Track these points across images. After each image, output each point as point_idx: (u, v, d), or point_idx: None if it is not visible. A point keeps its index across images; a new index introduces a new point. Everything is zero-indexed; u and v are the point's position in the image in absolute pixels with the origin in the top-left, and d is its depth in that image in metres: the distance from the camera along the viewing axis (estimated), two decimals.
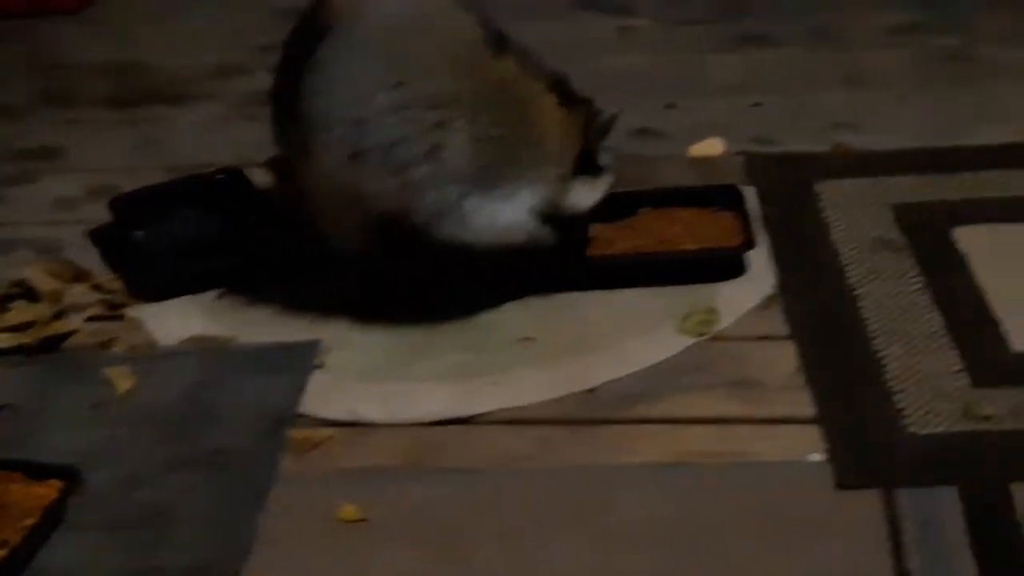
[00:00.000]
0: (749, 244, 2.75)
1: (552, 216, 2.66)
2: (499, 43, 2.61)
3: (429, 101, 2.52)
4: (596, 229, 2.83)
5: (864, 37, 3.81)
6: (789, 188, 3.04)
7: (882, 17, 3.91)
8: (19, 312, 2.71)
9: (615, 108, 2.69)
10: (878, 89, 3.53)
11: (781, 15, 3.95)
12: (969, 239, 2.83)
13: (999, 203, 2.96)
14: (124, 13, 4.11)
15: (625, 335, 2.60)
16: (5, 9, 4.05)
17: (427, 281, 2.70)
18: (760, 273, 2.76)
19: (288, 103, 2.60)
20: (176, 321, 2.71)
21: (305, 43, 2.59)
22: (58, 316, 2.70)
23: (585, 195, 2.69)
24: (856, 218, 2.92)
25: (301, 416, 2.45)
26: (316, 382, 2.52)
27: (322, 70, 2.54)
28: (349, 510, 2.20)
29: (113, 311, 2.73)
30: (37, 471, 2.23)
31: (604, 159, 2.71)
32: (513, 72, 2.59)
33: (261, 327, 2.68)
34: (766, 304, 2.69)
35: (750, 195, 2.95)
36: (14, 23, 4.03)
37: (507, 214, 2.60)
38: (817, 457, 2.31)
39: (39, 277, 2.78)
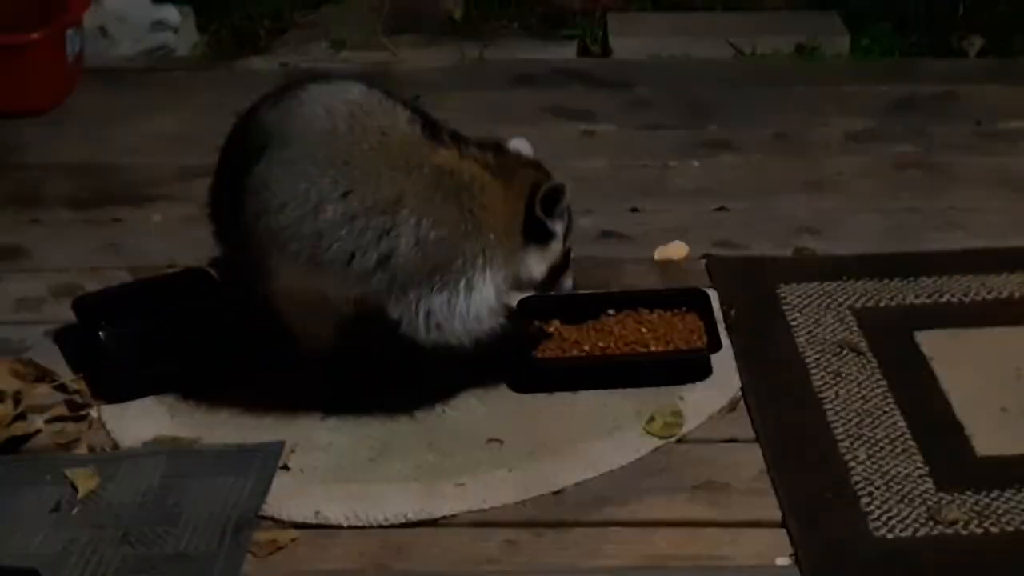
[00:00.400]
0: (714, 347, 2.76)
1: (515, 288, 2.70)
2: (434, 131, 2.62)
3: (375, 207, 2.52)
4: (562, 330, 2.84)
5: (824, 143, 3.86)
6: (753, 291, 3.06)
7: (842, 124, 3.96)
8: None
9: (556, 182, 2.68)
10: (839, 194, 3.57)
11: (742, 121, 3.99)
12: (932, 343, 2.85)
13: (960, 308, 2.99)
14: (90, 115, 4.11)
15: (591, 437, 2.60)
16: None
17: (395, 373, 2.73)
18: (725, 376, 2.77)
19: (233, 221, 2.61)
20: (139, 422, 2.69)
21: (241, 162, 2.58)
22: (20, 417, 2.67)
23: (536, 263, 2.69)
24: (819, 321, 2.94)
25: (265, 518, 2.44)
26: (280, 484, 2.50)
27: (265, 187, 2.53)
28: None
29: (76, 412, 2.71)
30: None
31: (553, 226, 2.68)
32: (450, 160, 2.59)
33: (225, 427, 2.67)
34: (731, 406, 2.70)
35: (714, 298, 2.97)
36: None
37: (473, 305, 2.60)
38: (785, 561, 2.31)
39: (1, 377, 2.75)
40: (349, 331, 2.69)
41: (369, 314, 2.64)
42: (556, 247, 2.70)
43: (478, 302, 2.60)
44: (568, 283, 2.77)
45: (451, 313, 2.58)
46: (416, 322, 2.58)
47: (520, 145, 2.75)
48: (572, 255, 2.77)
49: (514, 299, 2.79)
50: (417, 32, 4.98)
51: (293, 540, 2.38)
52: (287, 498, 2.47)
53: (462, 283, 2.58)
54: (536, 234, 2.67)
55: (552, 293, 2.76)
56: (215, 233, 2.75)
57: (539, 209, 2.64)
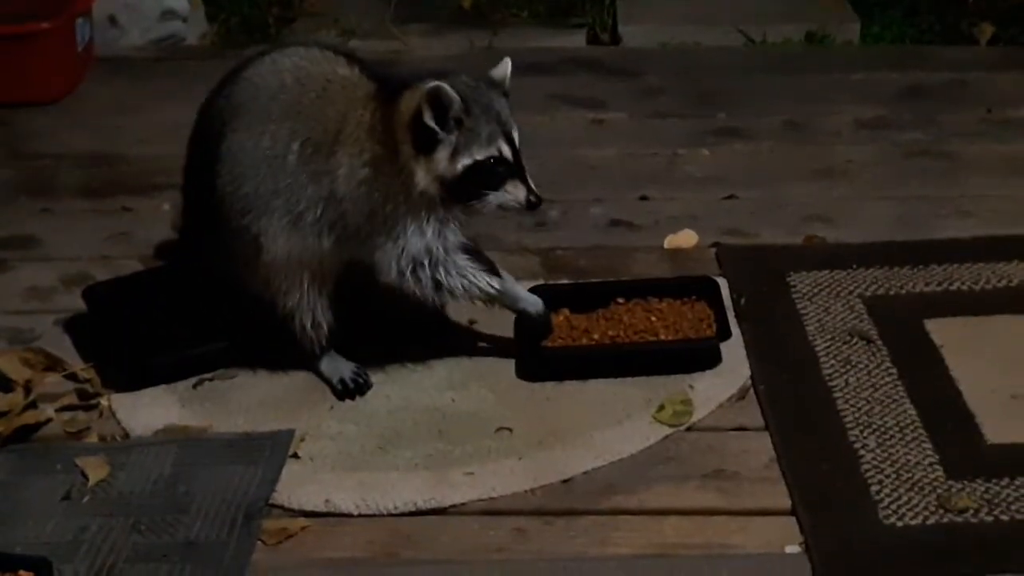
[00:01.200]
0: (724, 335, 2.76)
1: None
2: (370, 70, 2.66)
3: (322, 149, 2.58)
4: (571, 319, 2.84)
5: (834, 132, 3.85)
6: (762, 280, 3.05)
7: (852, 112, 3.95)
8: None
9: (435, 84, 2.52)
10: (849, 182, 3.56)
11: (752, 109, 3.99)
12: (942, 331, 2.85)
13: (970, 296, 2.99)
14: (101, 105, 4.12)
15: (600, 425, 2.60)
16: None
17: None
18: (735, 364, 2.77)
19: (209, 207, 2.66)
20: (150, 411, 2.69)
21: (206, 147, 2.67)
22: (31, 406, 2.68)
23: (422, 175, 2.55)
24: (829, 310, 2.94)
25: (275, 507, 2.44)
26: (290, 472, 2.51)
27: (236, 156, 2.61)
28: None
29: (86, 401, 2.72)
30: (8, 563, 2.20)
31: (438, 130, 2.53)
32: (374, 103, 2.59)
33: (235, 416, 2.67)
34: (741, 395, 2.69)
35: (723, 286, 2.96)
36: None
37: (413, 249, 2.60)
38: (794, 549, 2.31)
39: (12, 366, 2.76)
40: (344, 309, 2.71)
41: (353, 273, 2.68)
42: (441, 154, 2.55)
43: (413, 246, 2.58)
44: (519, 195, 2.59)
45: (400, 261, 2.59)
46: (383, 271, 2.61)
47: (498, 68, 2.71)
48: (525, 170, 2.61)
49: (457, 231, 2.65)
50: (426, 21, 4.98)
51: (303, 528, 2.39)
52: (297, 486, 2.47)
53: (397, 227, 2.58)
54: (422, 143, 2.55)
55: (477, 204, 2.60)
56: (186, 229, 2.84)
57: (425, 116, 2.52)
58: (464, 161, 2.56)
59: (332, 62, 2.66)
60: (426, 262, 2.60)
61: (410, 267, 2.61)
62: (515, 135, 2.61)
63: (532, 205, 2.61)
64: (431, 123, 2.52)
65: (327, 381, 2.74)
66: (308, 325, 2.69)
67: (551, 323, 2.79)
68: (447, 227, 2.61)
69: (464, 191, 2.57)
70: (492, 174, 2.58)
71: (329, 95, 2.61)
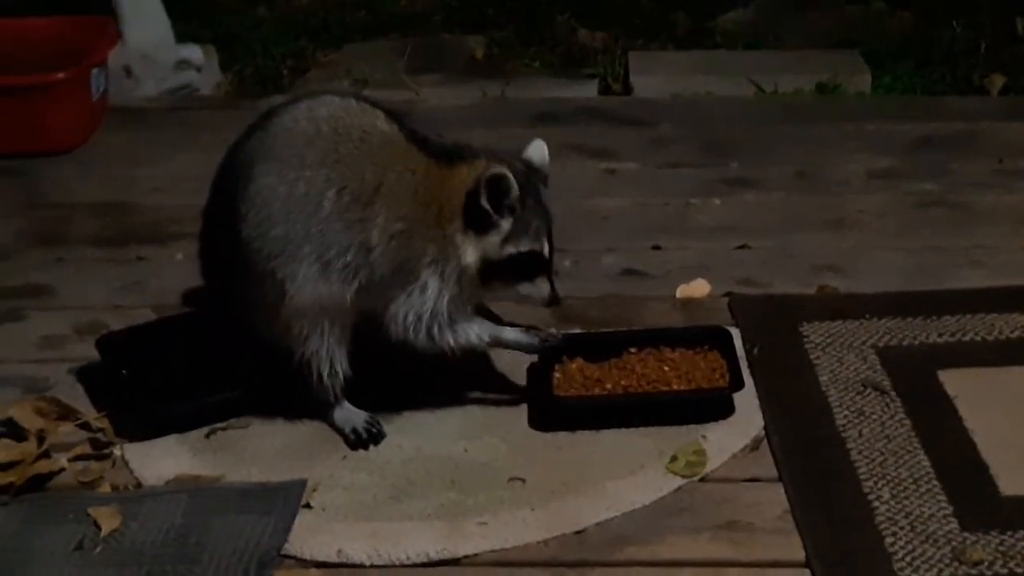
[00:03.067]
0: (737, 385, 2.75)
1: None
2: (409, 131, 2.67)
3: (361, 199, 2.59)
4: (585, 368, 2.84)
5: (846, 181, 3.86)
6: (775, 330, 3.05)
7: (864, 162, 3.96)
8: (4, 451, 2.69)
9: (498, 169, 2.60)
10: (861, 232, 3.57)
11: (764, 159, 4.00)
12: (955, 382, 2.84)
13: (983, 346, 2.98)
14: (115, 154, 4.14)
15: (613, 476, 2.60)
16: None
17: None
18: (748, 414, 2.76)
19: (230, 251, 2.66)
20: (162, 460, 2.69)
21: (232, 190, 2.67)
22: (44, 455, 2.68)
23: (469, 250, 2.63)
24: (842, 360, 2.93)
25: (287, 557, 2.44)
26: (303, 522, 2.50)
27: (265, 200, 2.61)
28: None
29: (99, 450, 2.72)
30: None
31: (497, 216, 2.61)
32: (420, 158, 2.63)
33: (248, 466, 2.67)
34: (754, 445, 2.69)
35: (736, 336, 2.96)
36: (4, 163, 4.05)
37: (427, 307, 2.62)
38: None
39: (25, 415, 2.76)
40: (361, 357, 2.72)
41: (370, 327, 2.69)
42: (493, 238, 2.63)
43: (428, 303, 2.62)
44: (543, 290, 2.70)
45: (411, 315, 2.62)
46: (392, 323, 2.63)
47: (532, 148, 2.76)
48: (554, 268, 2.74)
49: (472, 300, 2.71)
50: (439, 71, 5.02)
51: None
52: (309, 537, 2.47)
53: (415, 283, 2.61)
54: (475, 221, 2.61)
55: (524, 299, 2.72)
56: (205, 273, 2.85)
57: (483, 197, 2.59)
58: (510, 249, 2.64)
59: (370, 115, 2.68)
60: (432, 322, 2.63)
61: (415, 323, 2.63)
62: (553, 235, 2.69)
63: (552, 303, 2.73)
64: (487, 207, 2.59)
65: (340, 431, 2.74)
66: (326, 373, 2.70)
67: (555, 347, 2.80)
68: (461, 296, 2.64)
69: (498, 275, 2.65)
70: (530, 266, 2.67)
71: (368, 147, 2.63)
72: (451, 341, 2.66)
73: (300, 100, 2.77)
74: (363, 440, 2.71)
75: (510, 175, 2.60)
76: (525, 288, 2.69)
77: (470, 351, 2.71)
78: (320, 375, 2.70)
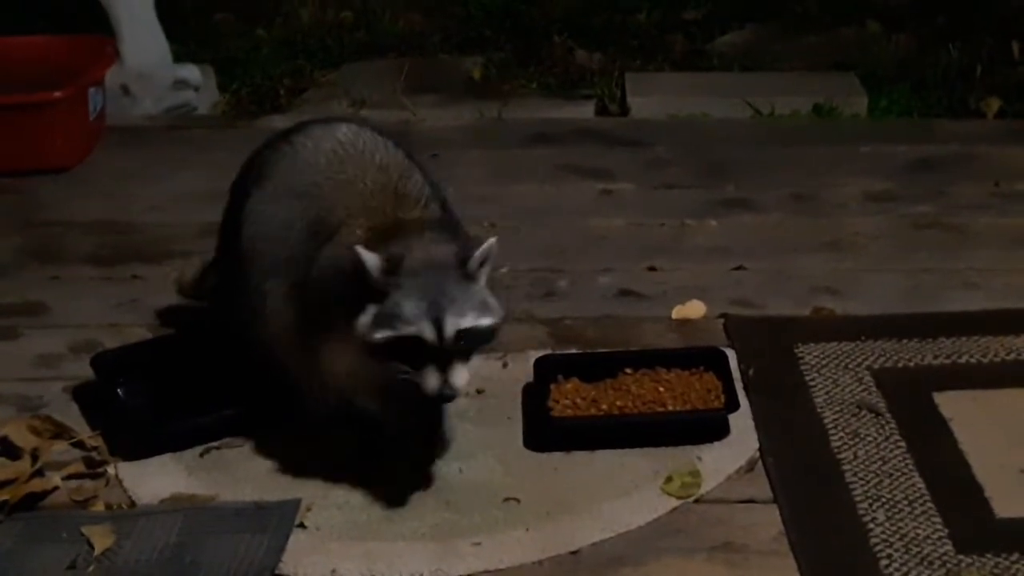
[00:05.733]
0: (732, 406, 2.75)
1: None
2: (402, 189, 2.61)
3: (318, 236, 2.58)
4: (580, 388, 2.84)
5: (842, 203, 3.87)
6: (771, 351, 3.05)
7: (860, 184, 3.97)
8: None
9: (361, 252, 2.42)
10: (857, 254, 3.57)
11: (760, 181, 4.00)
12: (951, 404, 2.84)
13: (979, 368, 2.98)
14: (111, 173, 4.14)
15: (608, 497, 2.59)
16: None
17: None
18: (743, 436, 2.76)
19: (234, 250, 2.73)
20: (157, 479, 2.69)
21: (241, 196, 2.75)
22: (37, 473, 2.67)
23: (362, 322, 2.43)
24: (838, 382, 2.94)
25: None
26: (296, 541, 2.50)
27: (258, 215, 2.68)
28: None
29: (93, 468, 2.71)
30: None
31: (391, 292, 2.42)
32: (382, 223, 2.55)
33: (242, 485, 2.67)
34: (749, 467, 2.69)
35: (731, 358, 2.96)
36: (1, 181, 4.05)
37: (326, 367, 2.59)
38: None
39: (19, 434, 2.76)
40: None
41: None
42: (364, 319, 2.43)
43: (327, 364, 2.57)
44: (429, 382, 2.40)
45: (330, 360, 2.57)
46: (321, 362, 2.60)
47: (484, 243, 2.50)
48: (469, 358, 2.45)
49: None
50: (436, 91, 5.02)
51: None
52: (303, 556, 2.46)
53: (316, 339, 2.58)
54: (371, 292, 2.43)
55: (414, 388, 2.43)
56: (219, 268, 2.89)
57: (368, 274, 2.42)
58: (393, 332, 2.42)
59: (370, 159, 2.65)
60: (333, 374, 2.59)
61: (328, 372, 2.60)
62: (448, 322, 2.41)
63: (436, 397, 2.43)
64: (394, 289, 2.42)
65: (344, 444, 2.73)
66: (316, 387, 2.69)
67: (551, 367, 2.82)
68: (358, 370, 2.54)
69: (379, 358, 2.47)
70: (412, 355, 2.42)
71: (350, 191, 2.61)
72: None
73: (322, 123, 2.78)
74: (369, 452, 2.71)
75: (370, 260, 2.40)
76: (416, 376, 2.41)
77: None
78: (311, 389, 2.68)
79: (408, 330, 2.40)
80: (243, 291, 2.71)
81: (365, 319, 2.43)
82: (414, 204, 2.62)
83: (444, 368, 2.40)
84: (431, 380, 2.40)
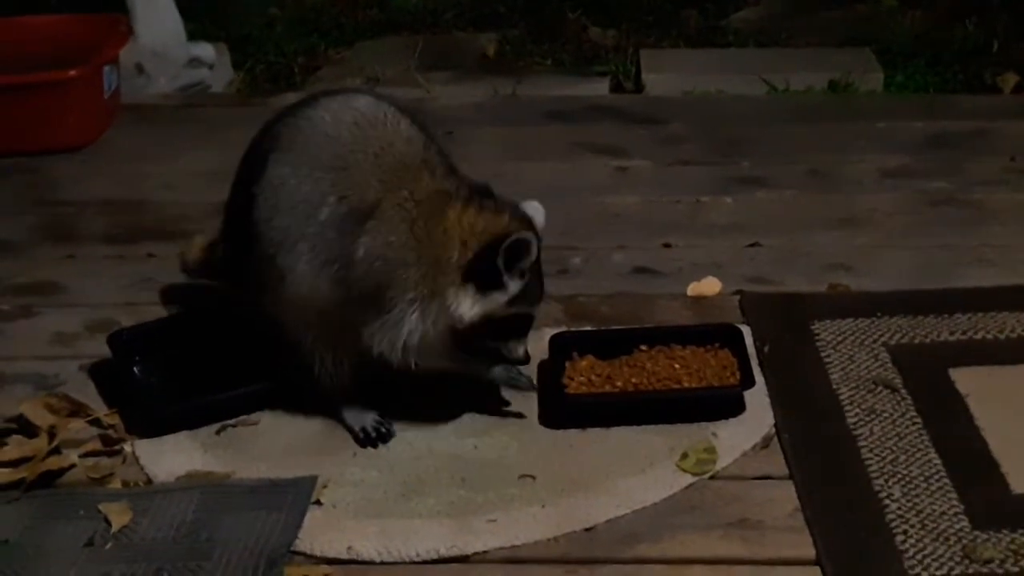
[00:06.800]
0: (748, 383, 2.75)
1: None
2: (428, 156, 2.64)
3: (357, 212, 2.58)
4: (595, 366, 2.84)
5: (858, 180, 3.85)
6: (786, 328, 3.05)
7: (875, 160, 3.95)
8: (15, 447, 2.70)
9: (527, 235, 2.56)
10: (873, 231, 3.56)
11: (775, 157, 3.99)
12: (967, 380, 2.84)
13: (995, 344, 2.98)
14: (126, 152, 4.15)
15: (624, 473, 2.59)
16: (7, 146, 4.09)
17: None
18: (758, 412, 2.76)
19: (245, 226, 2.68)
20: (173, 456, 2.70)
21: (254, 168, 2.69)
22: (55, 451, 2.68)
23: (467, 305, 2.58)
24: (853, 358, 2.93)
25: (297, 553, 2.44)
26: (313, 519, 2.50)
27: (276, 189, 2.63)
28: None
29: (110, 446, 2.72)
30: None
31: (508, 279, 2.57)
32: (429, 188, 2.59)
33: (258, 462, 2.67)
34: (765, 443, 2.68)
35: (747, 334, 2.96)
36: (16, 160, 4.06)
37: (404, 335, 2.60)
38: None
39: (36, 412, 2.77)
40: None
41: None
42: (498, 298, 2.58)
43: (409, 333, 2.59)
44: (519, 352, 2.65)
45: (384, 340, 2.60)
46: (368, 337, 2.62)
47: (530, 208, 2.68)
48: (534, 325, 2.68)
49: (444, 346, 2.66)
50: (450, 68, 5.02)
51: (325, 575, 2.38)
52: (319, 533, 2.47)
53: (392, 312, 2.58)
54: (481, 276, 2.56)
55: (496, 354, 2.66)
56: (226, 241, 2.83)
57: (501, 258, 2.55)
58: (512, 310, 2.60)
59: (394, 130, 2.65)
60: (404, 353, 2.62)
61: (388, 349, 2.61)
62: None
63: (521, 362, 2.68)
64: (502, 269, 2.56)
65: (349, 429, 2.74)
66: (328, 362, 2.69)
67: (527, 383, 2.78)
68: (433, 340, 2.62)
69: (482, 330, 2.61)
70: (518, 328, 2.64)
71: (379, 164, 2.61)
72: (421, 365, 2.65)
73: (337, 95, 2.77)
74: (371, 439, 2.71)
75: (535, 243, 2.56)
76: (505, 347, 2.64)
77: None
78: (323, 363, 2.70)
79: (531, 310, 2.63)
80: (254, 265, 2.68)
81: (499, 298, 2.57)
82: (445, 173, 2.64)
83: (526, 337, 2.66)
84: (523, 350, 2.65)
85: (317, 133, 2.66)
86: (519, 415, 2.78)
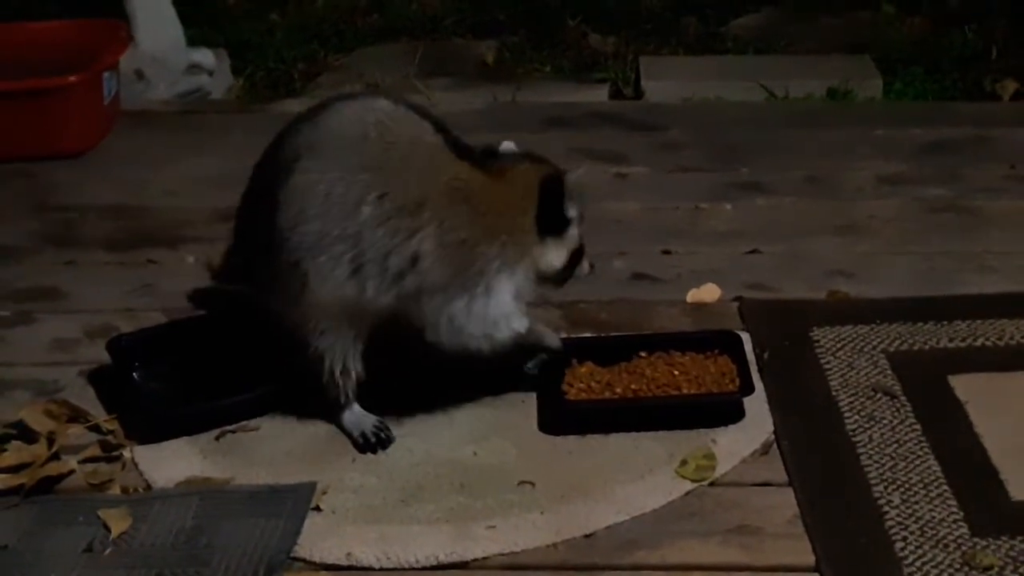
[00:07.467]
0: (747, 389, 2.75)
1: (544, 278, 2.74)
2: (454, 143, 2.71)
3: (405, 209, 2.61)
4: (594, 372, 2.84)
5: (857, 187, 3.86)
6: (785, 334, 3.05)
7: (874, 167, 3.96)
8: (15, 453, 2.70)
9: (560, 170, 2.74)
10: (872, 237, 3.56)
11: (774, 164, 4.00)
12: (966, 387, 2.84)
13: (994, 351, 2.98)
14: (126, 157, 4.15)
15: (623, 480, 2.59)
16: (7, 152, 4.10)
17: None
18: (758, 419, 2.76)
19: (264, 236, 2.66)
20: (172, 463, 2.70)
21: (274, 177, 2.67)
22: (54, 457, 2.68)
23: (556, 254, 2.73)
24: (853, 365, 2.93)
25: (296, 560, 2.44)
26: (312, 525, 2.50)
27: (303, 195, 2.62)
28: None
29: (109, 452, 2.72)
30: None
31: (569, 213, 2.73)
32: (464, 170, 2.67)
33: (258, 468, 2.67)
34: (764, 450, 2.69)
35: (746, 341, 2.96)
36: (16, 166, 4.06)
37: (491, 308, 2.66)
38: None
39: (35, 418, 2.77)
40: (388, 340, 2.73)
41: (394, 329, 2.70)
42: (573, 233, 2.75)
43: (495, 305, 2.66)
44: (586, 266, 2.82)
45: (470, 316, 2.65)
46: (439, 326, 2.65)
47: (508, 146, 2.80)
48: (588, 254, 2.82)
49: (531, 297, 2.78)
50: (450, 75, 5.02)
51: None
52: (318, 539, 2.47)
53: (480, 287, 2.64)
54: (551, 225, 2.71)
55: (568, 280, 2.80)
56: (238, 253, 2.84)
57: (566, 199, 2.71)
58: (581, 243, 2.77)
59: (417, 125, 2.70)
60: (503, 322, 2.69)
61: (463, 325, 2.66)
62: None
63: (592, 271, 2.86)
64: (567, 210, 2.71)
65: (348, 434, 2.74)
66: (338, 371, 2.70)
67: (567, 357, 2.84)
68: (525, 295, 2.73)
69: (572, 265, 2.76)
70: (580, 253, 2.80)
71: (414, 158, 2.65)
72: (496, 340, 2.70)
73: (352, 98, 2.81)
74: (371, 444, 2.72)
75: (564, 172, 2.73)
76: (580, 270, 2.81)
77: (498, 353, 2.72)
78: (332, 372, 2.70)
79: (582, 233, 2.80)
80: (275, 271, 2.66)
81: (574, 234, 2.75)
82: (471, 153, 2.71)
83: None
84: (588, 263, 2.83)
85: (343, 136, 2.67)
86: (519, 421, 2.78)
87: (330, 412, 2.76)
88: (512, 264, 2.67)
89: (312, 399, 2.75)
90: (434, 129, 2.70)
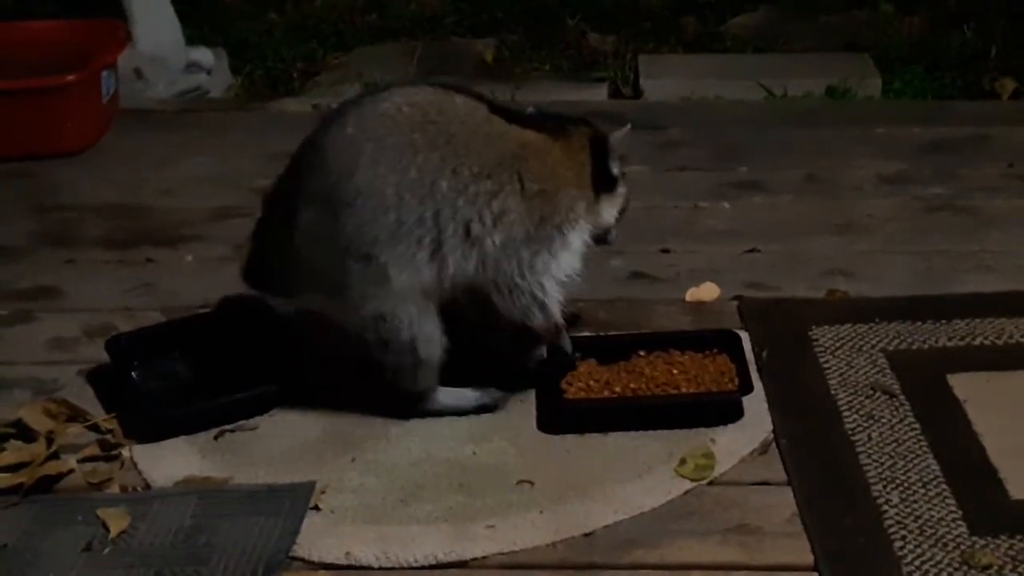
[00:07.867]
0: (746, 388, 2.75)
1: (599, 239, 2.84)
2: (502, 111, 2.76)
3: (482, 174, 2.66)
4: (593, 371, 2.84)
5: (856, 185, 3.86)
6: (784, 333, 3.05)
7: (873, 166, 3.96)
8: (13, 452, 2.70)
9: (604, 129, 2.86)
10: (871, 237, 3.56)
11: (773, 163, 4.00)
12: (965, 386, 2.84)
13: (993, 350, 2.98)
14: (125, 156, 4.15)
15: (622, 479, 2.59)
16: (5, 151, 4.09)
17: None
18: (757, 418, 2.76)
19: (324, 246, 2.63)
20: (171, 462, 2.70)
21: (328, 184, 2.63)
22: (53, 456, 2.68)
23: (609, 211, 2.84)
24: (852, 364, 2.93)
25: (295, 559, 2.43)
26: (311, 524, 2.50)
27: (376, 189, 2.61)
28: None
29: (108, 451, 2.72)
30: None
31: (617, 172, 2.84)
32: (520, 132, 2.74)
33: (256, 468, 2.67)
34: (763, 449, 2.69)
35: (745, 340, 2.96)
36: (14, 164, 4.06)
37: (564, 259, 2.75)
38: None
39: (34, 417, 2.76)
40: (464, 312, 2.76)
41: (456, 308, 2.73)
42: (622, 190, 2.87)
43: (568, 257, 2.75)
44: (614, 232, 2.91)
45: (547, 268, 2.72)
46: (511, 284, 2.70)
47: (531, 111, 2.88)
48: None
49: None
50: (449, 74, 5.02)
51: None
52: (317, 539, 2.47)
53: (557, 241, 2.73)
54: (605, 181, 2.82)
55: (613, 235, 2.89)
56: (282, 257, 2.72)
57: (611, 158, 2.82)
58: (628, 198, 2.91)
59: (466, 100, 2.74)
60: (565, 280, 2.76)
61: (541, 283, 2.74)
62: None
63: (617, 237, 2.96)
64: (615, 166, 2.83)
65: (458, 412, 2.77)
66: (435, 355, 2.71)
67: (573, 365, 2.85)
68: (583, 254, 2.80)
69: (618, 223, 2.89)
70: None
71: (474, 126, 2.70)
72: (548, 312, 2.77)
73: (389, 91, 2.78)
74: (488, 406, 2.78)
75: (610, 132, 2.84)
76: (610, 236, 2.90)
77: (543, 328, 2.79)
78: (429, 358, 2.70)
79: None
80: (341, 274, 2.63)
81: (622, 190, 2.88)
82: (523, 115, 2.80)
83: None
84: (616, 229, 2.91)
85: (400, 123, 2.65)
86: (518, 421, 2.78)
87: (420, 400, 2.76)
88: (582, 217, 2.76)
89: (398, 404, 2.75)
90: (483, 102, 2.75)
